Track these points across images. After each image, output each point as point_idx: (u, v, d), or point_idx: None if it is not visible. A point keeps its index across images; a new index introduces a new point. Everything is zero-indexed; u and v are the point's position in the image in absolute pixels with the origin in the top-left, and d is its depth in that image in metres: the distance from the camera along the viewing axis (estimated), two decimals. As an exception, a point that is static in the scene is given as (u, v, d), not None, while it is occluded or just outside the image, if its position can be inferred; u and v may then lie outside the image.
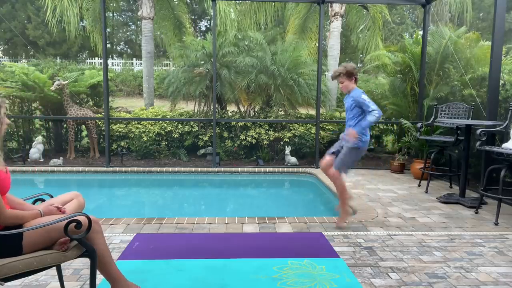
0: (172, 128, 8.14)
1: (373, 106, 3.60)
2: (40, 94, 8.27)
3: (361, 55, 11.84)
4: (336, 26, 10.30)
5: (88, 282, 2.62)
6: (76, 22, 10.24)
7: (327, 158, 3.94)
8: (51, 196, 2.56)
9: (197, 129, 8.30)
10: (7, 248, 1.98)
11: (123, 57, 24.33)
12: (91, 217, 2.13)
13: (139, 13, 10.38)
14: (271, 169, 7.22)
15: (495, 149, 4.38)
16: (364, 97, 3.66)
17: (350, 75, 3.77)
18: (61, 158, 7.60)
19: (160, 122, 8.11)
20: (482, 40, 7.37)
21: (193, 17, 24.70)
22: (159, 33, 13.03)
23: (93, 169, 7.08)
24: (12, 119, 8.44)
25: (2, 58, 21.73)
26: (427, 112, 6.93)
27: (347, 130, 3.82)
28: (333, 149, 3.97)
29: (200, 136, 8.24)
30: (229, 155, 8.21)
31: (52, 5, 9.93)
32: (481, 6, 19.91)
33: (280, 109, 8.69)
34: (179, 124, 8.20)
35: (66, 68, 10.31)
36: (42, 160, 7.79)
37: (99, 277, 2.32)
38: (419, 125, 5.90)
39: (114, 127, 8.09)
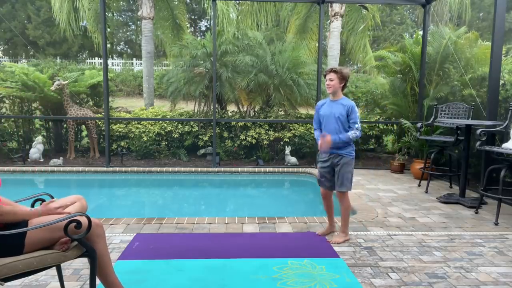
0: (172, 128, 8.14)
1: (359, 125, 3.43)
2: (40, 94, 8.27)
3: (360, 55, 11.88)
4: (336, 26, 10.29)
5: (88, 282, 2.62)
6: (75, 20, 10.22)
7: (325, 191, 3.72)
8: (51, 196, 2.56)
9: (197, 129, 8.30)
10: (9, 247, 1.98)
11: (123, 57, 24.33)
12: (94, 220, 2.14)
13: (139, 13, 10.38)
14: (271, 169, 7.22)
15: (495, 149, 4.38)
16: (356, 110, 3.45)
17: (342, 78, 3.46)
18: (61, 158, 7.60)
19: (160, 122, 8.11)
20: (482, 40, 7.37)
21: (193, 17, 24.70)
22: (159, 33, 13.04)
23: (93, 169, 7.07)
24: (12, 119, 8.44)
25: (2, 58, 21.73)
26: (427, 112, 6.93)
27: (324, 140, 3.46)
28: (326, 181, 3.66)
29: (200, 136, 8.24)
30: (229, 155, 8.21)
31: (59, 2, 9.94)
32: (481, 6, 19.90)
33: (280, 109, 8.69)
34: (179, 124, 8.20)
35: (66, 68, 10.32)
36: (42, 160, 7.79)
37: (99, 277, 2.32)
38: (419, 125, 5.90)
39: (114, 127, 8.09)
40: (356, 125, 3.43)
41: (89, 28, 11.27)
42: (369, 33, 11.26)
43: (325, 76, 3.57)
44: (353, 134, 3.41)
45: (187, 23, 11.98)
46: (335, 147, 3.48)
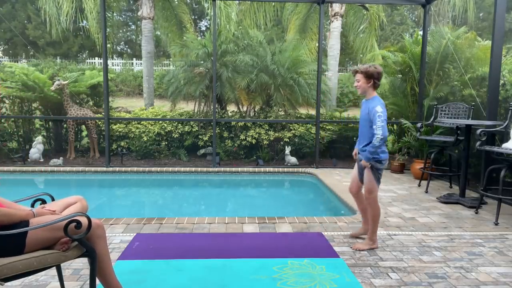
0: (172, 128, 8.14)
1: (380, 124, 3.17)
2: (40, 94, 8.27)
3: (361, 55, 11.87)
4: (336, 26, 10.30)
5: (88, 282, 2.63)
6: (64, 19, 10.18)
7: (356, 183, 3.57)
8: (51, 196, 2.56)
9: (197, 129, 8.30)
10: (10, 247, 1.98)
11: (123, 57, 24.33)
12: (94, 220, 2.14)
13: (139, 13, 10.39)
14: (271, 169, 7.22)
15: (495, 149, 4.38)
16: (379, 110, 3.18)
17: (369, 76, 3.30)
18: (61, 158, 7.60)
19: (160, 122, 8.11)
20: (482, 40, 7.38)
21: (193, 17, 24.71)
22: (159, 33, 13.01)
23: (93, 169, 7.07)
24: (12, 119, 8.44)
25: (2, 58, 21.73)
26: (427, 112, 6.93)
27: (360, 142, 3.46)
28: (358, 174, 3.55)
29: (200, 136, 8.24)
30: (229, 155, 8.21)
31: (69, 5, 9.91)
32: (481, 6, 19.90)
33: (280, 109, 8.69)
34: (179, 124, 8.20)
35: (66, 68, 10.30)
36: (42, 160, 7.79)
37: (99, 277, 2.32)
38: (419, 125, 5.90)
39: (114, 127, 8.09)
40: (376, 129, 3.19)
41: (91, 29, 11.24)
42: (375, 32, 11.22)
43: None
44: (374, 140, 3.20)
45: (188, 23, 11.92)
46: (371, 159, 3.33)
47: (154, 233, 3.72)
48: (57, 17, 10.17)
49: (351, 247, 3.39)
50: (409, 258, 3.17)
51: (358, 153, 3.53)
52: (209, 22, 21.01)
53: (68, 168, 7.04)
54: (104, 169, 7.09)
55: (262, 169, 7.21)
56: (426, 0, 7.00)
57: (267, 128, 8.23)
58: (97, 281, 2.22)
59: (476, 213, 4.49)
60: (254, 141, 8.05)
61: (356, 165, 3.60)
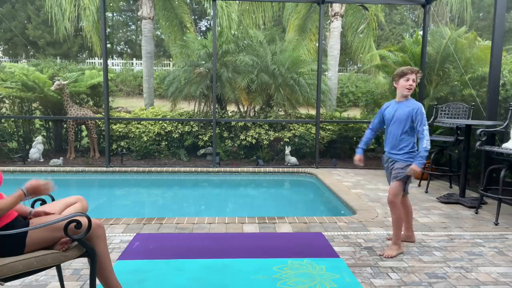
0: (172, 128, 8.15)
1: (427, 127, 3.11)
2: (40, 94, 8.27)
3: (360, 55, 11.86)
4: (336, 26, 10.30)
5: (88, 282, 2.62)
6: (67, 19, 10.17)
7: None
8: (51, 196, 2.56)
9: (197, 129, 8.30)
10: (10, 247, 1.99)
11: (123, 57, 24.32)
12: (94, 220, 2.14)
13: (139, 13, 10.39)
14: (271, 169, 7.22)
15: (495, 149, 4.38)
16: (424, 111, 3.14)
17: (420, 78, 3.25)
18: (61, 158, 7.60)
19: (160, 122, 8.11)
20: (482, 39, 7.38)
21: (193, 17, 24.70)
22: (159, 33, 12.99)
23: (93, 169, 7.07)
24: (12, 119, 8.45)
25: (2, 58, 21.73)
26: (427, 112, 6.90)
27: (393, 146, 3.29)
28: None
29: (200, 136, 8.24)
30: (229, 155, 8.21)
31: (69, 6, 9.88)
32: (481, 6, 19.90)
33: (280, 109, 8.70)
34: (179, 124, 8.20)
35: (66, 68, 10.32)
36: (42, 160, 7.79)
37: (99, 277, 2.31)
38: (419, 125, 5.89)
39: (114, 127, 8.09)
40: (423, 131, 3.10)
41: (85, 28, 11.23)
42: (373, 32, 11.22)
43: (402, 76, 3.22)
44: (425, 145, 3.07)
45: (189, 23, 11.91)
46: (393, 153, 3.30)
47: (154, 233, 3.72)
48: (61, 19, 10.16)
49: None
50: (409, 258, 3.17)
51: (388, 158, 3.38)
52: (209, 22, 21.01)
53: (68, 168, 7.04)
54: (104, 169, 7.09)
55: (262, 169, 7.21)
56: (426, 0, 7.00)
57: (267, 128, 8.23)
58: (97, 281, 2.22)
59: (476, 213, 4.49)
60: (254, 141, 8.05)
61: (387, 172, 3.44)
